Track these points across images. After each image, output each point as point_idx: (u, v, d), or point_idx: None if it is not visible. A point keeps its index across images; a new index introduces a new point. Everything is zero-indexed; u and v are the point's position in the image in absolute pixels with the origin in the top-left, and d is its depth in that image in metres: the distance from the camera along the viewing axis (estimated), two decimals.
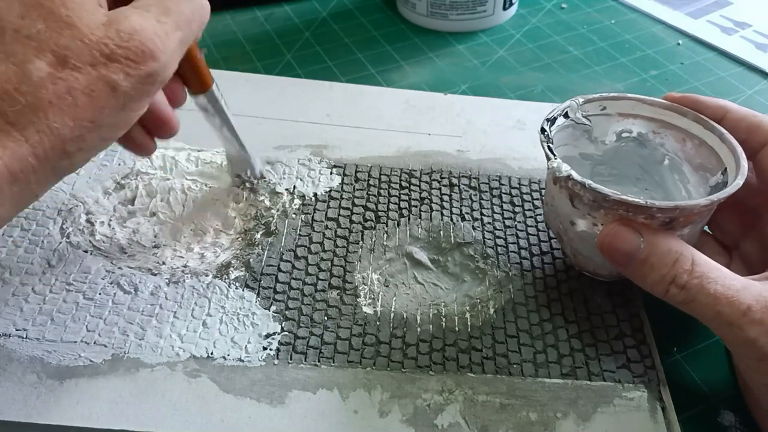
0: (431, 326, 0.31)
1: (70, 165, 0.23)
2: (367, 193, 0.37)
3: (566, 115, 0.32)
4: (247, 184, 0.37)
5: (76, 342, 0.29)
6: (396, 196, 0.37)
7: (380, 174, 0.39)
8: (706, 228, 0.33)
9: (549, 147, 0.30)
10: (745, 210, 0.31)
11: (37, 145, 0.21)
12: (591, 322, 0.31)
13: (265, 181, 0.38)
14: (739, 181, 0.27)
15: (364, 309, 0.32)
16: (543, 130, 0.31)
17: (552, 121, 0.31)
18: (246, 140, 0.36)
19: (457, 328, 0.31)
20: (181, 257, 0.34)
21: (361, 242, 0.35)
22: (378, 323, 0.31)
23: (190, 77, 0.30)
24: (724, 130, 0.30)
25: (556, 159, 0.29)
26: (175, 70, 0.25)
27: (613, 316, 0.32)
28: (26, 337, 0.29)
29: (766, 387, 0.26)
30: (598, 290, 0.33)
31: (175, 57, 0.24)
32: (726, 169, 0.29)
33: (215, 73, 0.46)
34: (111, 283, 0.32)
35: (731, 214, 0.31)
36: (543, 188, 0.38)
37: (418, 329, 0.31)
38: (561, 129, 0.32)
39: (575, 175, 0.28)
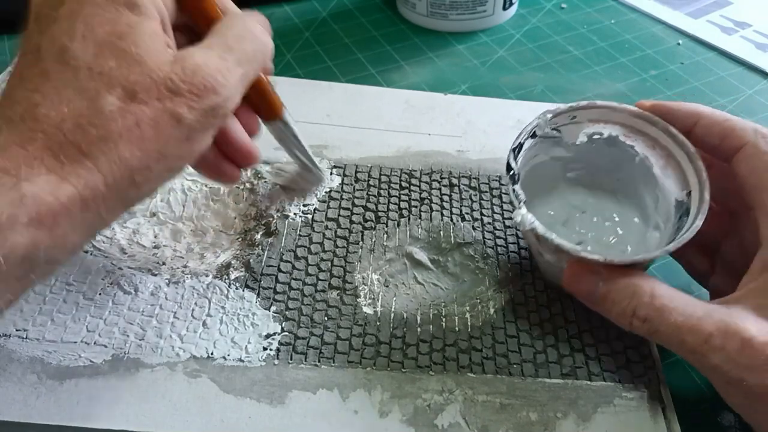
0: (431, 326, 0.31)
1: (138, 194, 0.24)
2: (367, 194, 0.37)
3: (534, 135, 0.32)
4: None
5: (76, 342, 0.29)
6: (396, 196, 0.37)
7: (380, 174, 0.39)
8: None
9: (514, 190, 0.30)
10: (723, 213, 0.31)
11: (108, 174, 0.22)
12: (591, 322, 0.31)
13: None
14: (698, 223, 0.28)
15: (364, 309, 0.32)
16: (509, 168, 0.30)
17: (518, 149, 0.31)
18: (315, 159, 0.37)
19: (457, 328, 0.31)
20: (181, 257, 0.34)
21: (361, 242, 0.35)
22: (378, 323, 0.31)
23: (261, 106, 0.31)
24: (692, 149, 0.30)
25: (521, 208, 0.29)
26: (237, 103, 0.26)
27: None
28: (26, 337, 0.29)
29: (738, 406, 0.26)
30: None
31: (238, 91, 0.26)
32: (690, 192, 0.29)
33: None
34: (111, 284, 0.32)
35: (710, 217, 0.31)
36: None
37: (418, 329, 0.31)
38: (530, 147, 0.32)
39: (539, 228, 0.28)
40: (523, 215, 0.29)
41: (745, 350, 0.24)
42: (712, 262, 0.32)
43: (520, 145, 0.31)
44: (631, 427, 0.28)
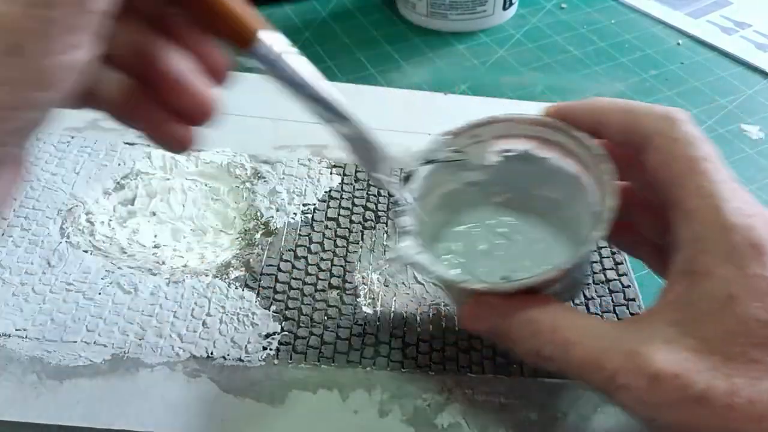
0: (431, 326, 0.31)
1: None
2: (367, 193, 0.37)
3: (431, 161, 0.29)
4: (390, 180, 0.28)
5: (76, 342, 0.29)
6: None
7: None
8: None
9: (400, 220, 0.27)
10: (655, 209, 0.27)
11: None
12: None
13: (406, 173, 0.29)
14: (597, 234, 0.25)
15: (364, 309, 0.32)
16: (392, 198, 0.27)
17: (407, 178, 0.28)
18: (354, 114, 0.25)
19: (457, 328, 0.31)
20: (181, 257, 0.34)
21: (361, 242, 0.35)
22: (378, 323, 0.31)
23: (221, 26, 0.20)
24: (596, 150, 0.27)
25: (404, 241, 0.26)
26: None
27: (613, 316, 0.32)
28: (26, 337, 0.29)
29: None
30: (598, 290, 0.33)
31: None
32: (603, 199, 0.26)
33: None
34: (111, 283, 0.32)
35: (643, 215, 0.28)
36: None
37: (418, 329, 0.31)
38: (433, 172, 0.29)
39: (422, 261, 0.26)
40: (405, 248, 0.26)
41: (653, 387, 0.21)
42: (662, 254, 0.27)
43: (410, 175, 0.28)
44: (631, 427, 0.28)
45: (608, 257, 0.34)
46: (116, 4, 0.17)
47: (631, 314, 0.32)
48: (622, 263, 0.34)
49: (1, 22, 0.14)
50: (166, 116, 0.21)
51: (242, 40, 0.20)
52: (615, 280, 0.33)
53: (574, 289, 0.29)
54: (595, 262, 0.34)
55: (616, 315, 0.32)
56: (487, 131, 0.30)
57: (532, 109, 0.44)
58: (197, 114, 0.21)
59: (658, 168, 0.24)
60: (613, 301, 0.32)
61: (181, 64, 0.20)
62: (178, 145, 0.22)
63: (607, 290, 0.33)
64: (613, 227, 0.25)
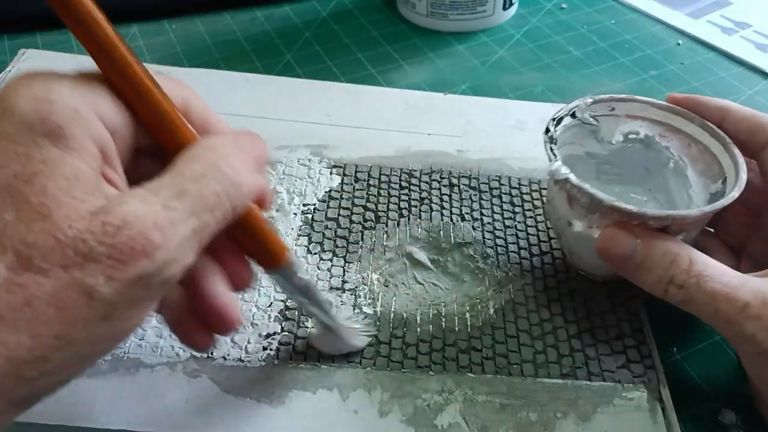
0: (431, 326, 0.31)
1: (33, 393, 0.18)
2: (367, 193, 0.37)
3: (573, 115, 0.32)
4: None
5: None
6: (396, 196, 0.37)
7: (380, 174, 0.39)
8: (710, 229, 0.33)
9: (551, 148, 0.30)
10: (749, 210, 0.31)
11: None
12: (591, 322, 0.31)
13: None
14: (735, 194, 0.27)
15: (364, 309, 0.32)
16: (547, 130, 0.31)
17: (558, 120, 0.31)
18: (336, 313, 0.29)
19: (457, 328, 0.31)
20: None
21: (361, 242, 0.35)
22: (378, 323, 0.31)
23: (254, 251, 0.24)
24: (728, 140, 0.30)
25: (556, 160, 0.29)
26: (187, 266, 0.20)
27: (613, 316, 0.32)
28: None
29: (765, 383, 0.26)
30: (598, 290, 0.33)
31: (186, 251, 0.19)
32: (726, 178, 0.29)
33: (215, 74, 0.46)
34: None
35: (735, 214, 0.31)
36: (544, 188, 0.38)
37: (418, 329, 0.31)
38: (567, 128, 0.32)
39: (573, 178, 0.28)
40: (559, 164, 0.29)
41: None
42: (738, 260, 0.32)
43: (560, 119, 0.31)
44: (631, 427, 0.28)
45: None
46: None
47: (633, 314, 0.32)
48: None
49: (102, 295, 0.17)
50: (194, 322, 0.24)
51: (270, 262, 0.25)
52: None
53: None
54: None
55: (617, 315, 0.32)
56: (623, 107, 0.33)
57: (532, 108, 0.44)
58: (222, 328, 0.23)
59: None
60: (613, 302, 0.32)
61: (219, 286, 0.23)
62: (201, 348, 0.25)
63: None
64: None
